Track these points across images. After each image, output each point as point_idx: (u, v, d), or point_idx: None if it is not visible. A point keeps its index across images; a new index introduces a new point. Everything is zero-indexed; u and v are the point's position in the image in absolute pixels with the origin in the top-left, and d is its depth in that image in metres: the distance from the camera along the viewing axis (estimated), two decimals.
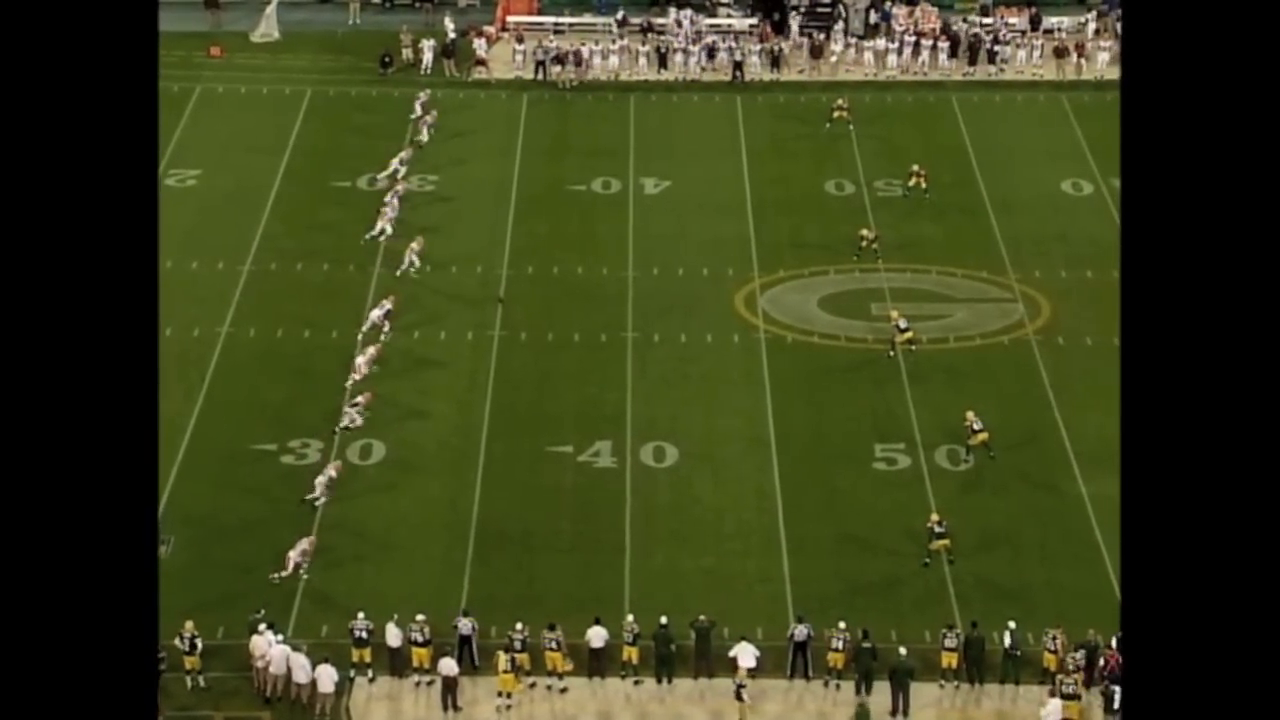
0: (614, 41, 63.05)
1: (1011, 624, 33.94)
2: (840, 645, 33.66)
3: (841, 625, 33.83)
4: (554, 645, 33.32)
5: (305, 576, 36.15)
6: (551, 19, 66.00)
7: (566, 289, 47.62)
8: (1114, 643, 33.13)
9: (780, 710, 33.13)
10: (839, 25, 64.12)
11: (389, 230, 49.70)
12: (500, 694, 32.91)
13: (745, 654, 33.48)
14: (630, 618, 34.09)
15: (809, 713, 32.58)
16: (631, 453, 40.68)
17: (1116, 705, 32.28)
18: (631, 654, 33.76)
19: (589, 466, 40.30)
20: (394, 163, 53.75)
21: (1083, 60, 62.24)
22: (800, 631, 33.90)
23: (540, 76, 61.37)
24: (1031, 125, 58.46)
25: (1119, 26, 63.45)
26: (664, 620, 33.72)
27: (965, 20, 64.51)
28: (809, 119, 58.57)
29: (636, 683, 33.81)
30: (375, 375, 42.83)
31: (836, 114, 57.25)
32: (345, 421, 41.15)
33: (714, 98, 60.63)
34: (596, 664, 33.78)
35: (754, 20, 64.74)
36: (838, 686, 33.51)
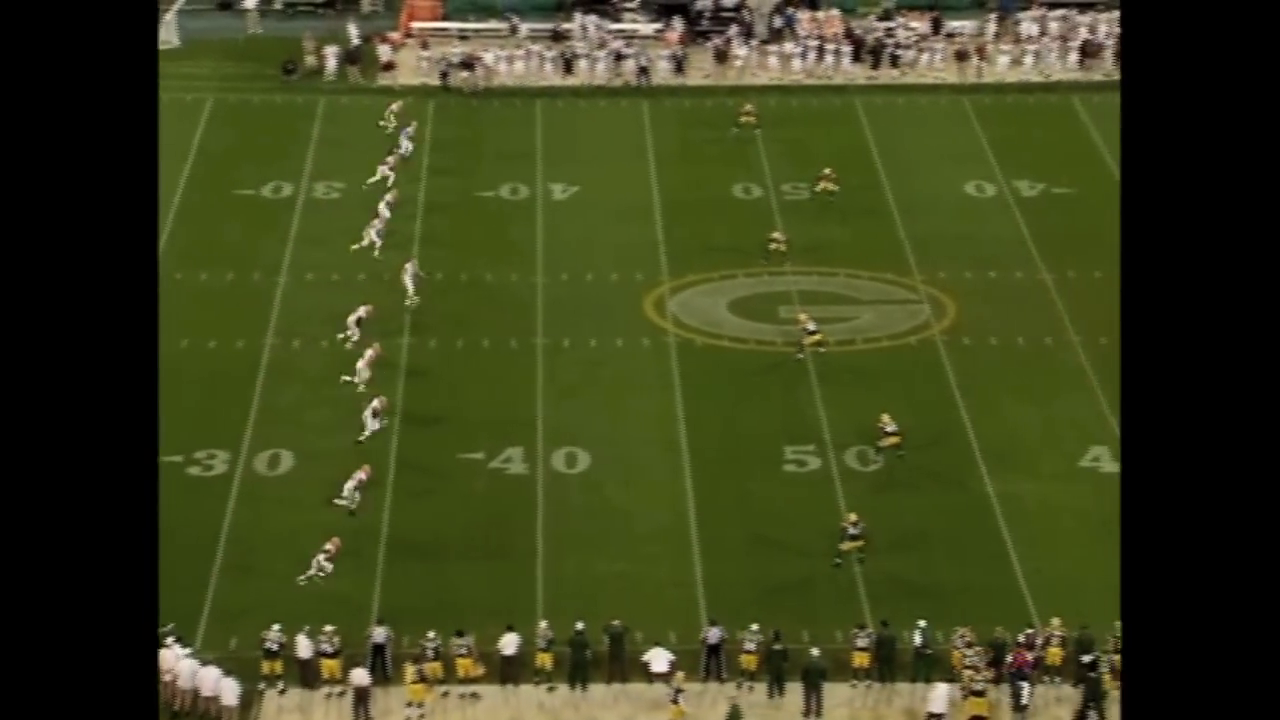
0: (519, 47, 63.00)
1: (922, 623, 34.06)
2: (753, 647, 33.68)
3: (754, 627, 33.83)
4: (464, 652, 33.15)
5: (324, 575, 36.01)
6: (456, 25, 65.78)
7: (475, 295, 47.45)
8: (1021, 639, 33.44)
9: (694, 711, 33.05)
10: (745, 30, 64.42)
11: (378, 241, 49.20)
12: (410, 704, 32.69)
13: (658, 659, 33.45)
14: (544, 624, 33.97)
15: (722, 714, 32.53)
16: (543, 459, 40.54)
17: (1024, 701, 32.55)
18: (545, 660, 33.64)
19: (501, 473, 40.13)
20: (382, 168, 53.36)
21: (983, 63, 62.72)
22: (713, 634, 33.88)
23: (445, 83, 61.17)
24: (934, 128, 58.81)
25: (1019, 30, 64.08)
26: (580, 626, 33.60)
27: (868, 24, 64.84)
28: (715, 124, 58.65)
29: (550, 689, 33.68)
30: (374, 378, 42.68)
31: (744, 119, 57.35)
32: (367, 431, 40.71)
33: (621, 103, 60.61)
34: (509, 671, 33.63)
35: (659, 26, 64.80)
36: (750, 688, 33.51)
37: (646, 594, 36.14)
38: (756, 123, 57.33)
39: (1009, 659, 33.29)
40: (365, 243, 49.23)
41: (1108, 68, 62.38)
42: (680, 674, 32.89)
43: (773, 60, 63.33)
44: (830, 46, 63.33)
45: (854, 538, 37.02)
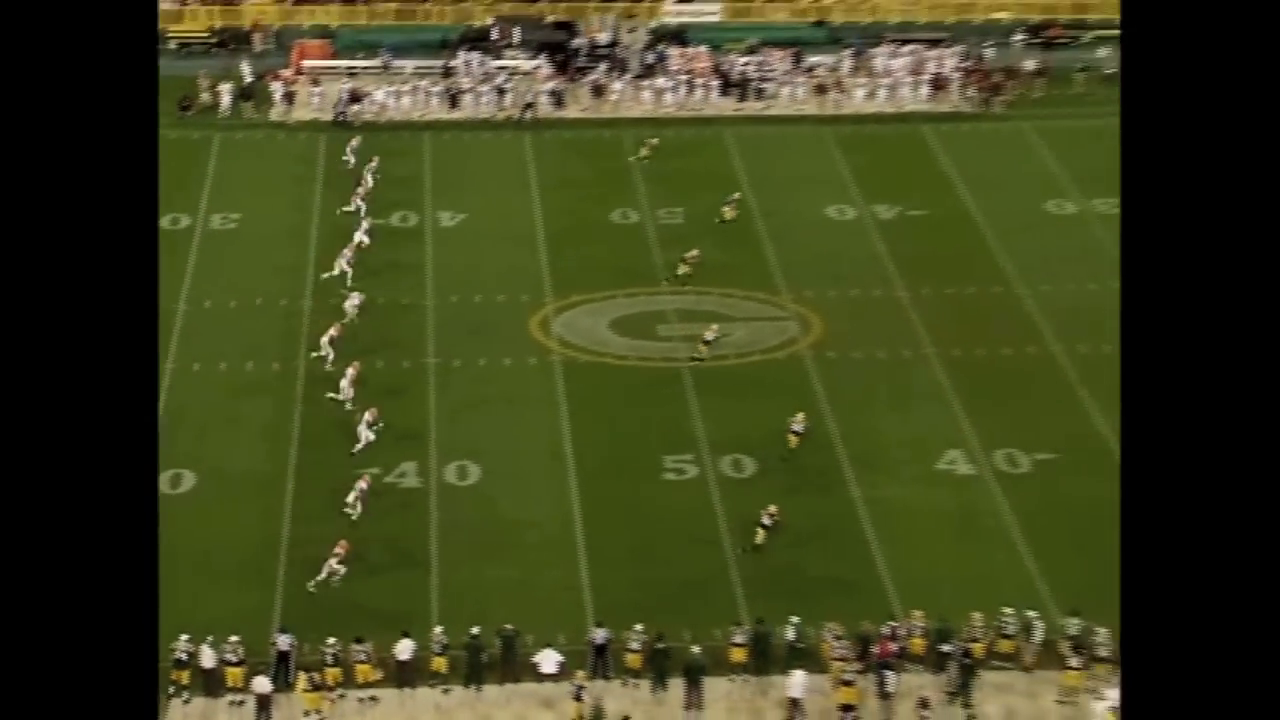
0: (405, 83, 62.80)
1: (795, 619, 34.15)
2: (637, 646, 33.63)
3: (638, 628, 33.77)
4: (363, 658, 32.82)
5: (338, 577, 35.74)
6: (345, 63, 65.39)
7: (369, 318, 47.03)
8: (885, 631, 33.63)
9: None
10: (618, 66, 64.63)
11: (349, 270, 48.62)
12: (307, 713, 32.25)
13: (548, 660, 33.34)
14: (439, 629, 33.73)
15: (610, 713, 32.44)
16: (436, 472, 40.29)
17: (889, 689, 32.73)
18: (440, 664, 33.39)
19: (395, 487, 39.79)
20: (354, 200, 53.04)
21: (841, 96, 63.25)
22: (599, 635, 33.78)
23: (338, 118, 60.74)
24: (798, 156, 59.14)
25: (873, 65, 64.66)
26: (474, 630, 33.39)
27: (734, 60, 65.16)
28: (593, 153, 58.75)
29: (445, 691, 33.42)
30: (358, 394, 42.32)
31: (645, 151, 57.30)
32: (361, 443, 40.34)
33: (504, 135, 60.51)
34: (405, 675, 33.33)
35: (539, 62, 64.77)
36: (636, 685, 33.44)
37: (536, 599, 35.96)
38: (651, 155, 57.32)
39: (875, 650, 33.48)
40: (336, 271, 48.75)
41: (955, 99, 63.14)
42: (581, 673, 32.75)
43: (646, 94, 63.54)
44: (699, 81, 63.70)
45: (768, 528, 37.19)
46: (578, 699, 32.27)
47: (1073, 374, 44.53)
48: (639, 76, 64.49)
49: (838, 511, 39.13)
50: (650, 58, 65.35)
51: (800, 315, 47.95)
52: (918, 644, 33.97)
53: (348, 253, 49.29)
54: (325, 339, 44.36)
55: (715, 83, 63.82)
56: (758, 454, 40.87)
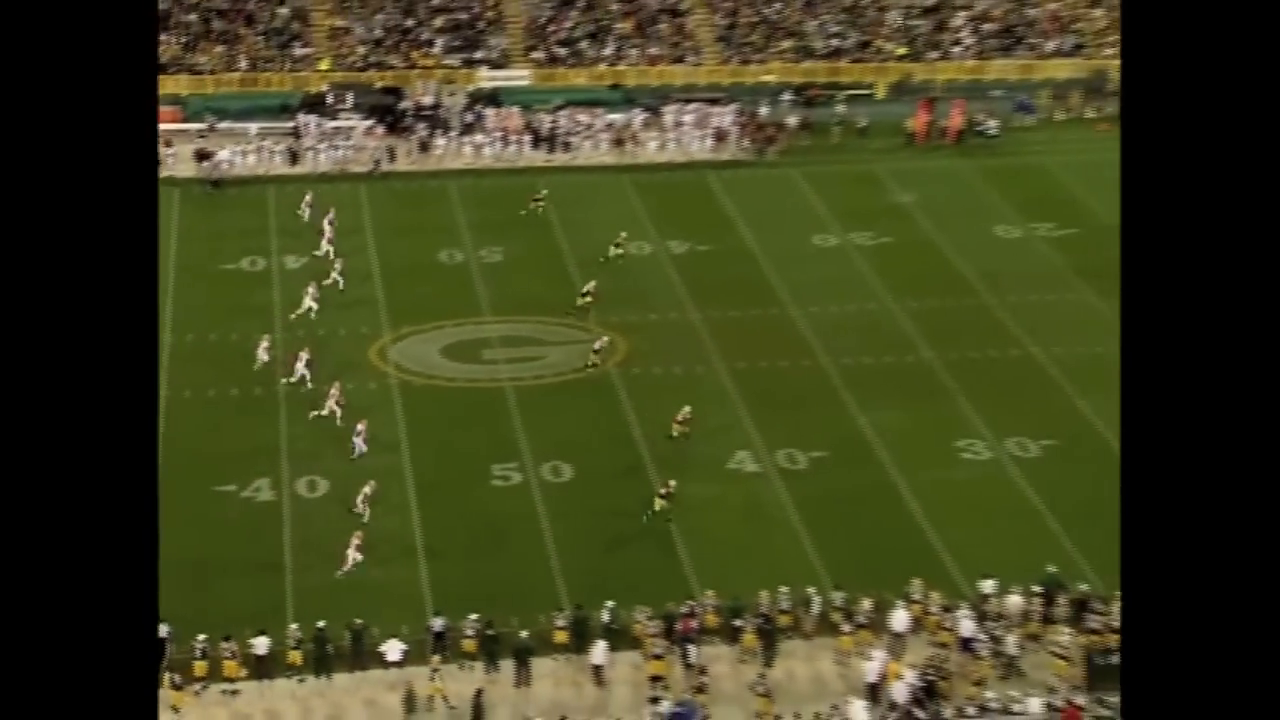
0: (250, 143, 62.06)
1: (609, 603, 34.27)
2: (471, 633, 33.51)
3: (472, 616, 33.66)
4: (229, 654, 32.26)
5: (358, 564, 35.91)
6: (195, 125, 64.24)
7: (224, 352, 46.25)
8: (685, 610, 33.88)
9: (442, 686, 32.83)
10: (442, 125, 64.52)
11: (314, 306, 48.10)
12: (171, 707, 31.52)
13: (393, 649, 33.07)
14: (294, 626, 33.26)
15: (451, 693, 32.30)
16: (288, 486, 39.75)
17: (691, 660, 33.01)
18: (295, 657, 32.92)
19: (251, 501, 39.18)
20: (326, 246, 52.53)
21: (636, 147, 63.81)
22: (438, 624, 33.60)
23: (189, 174, 59.78)
24: (600, 200, 59.48)
25: (663, 120, 65.25)
26: (322, 625, 33.01)
27: (542, 118, 65.39)
28: (421, 201, 58.52)
29: (300, 681, 32.95)
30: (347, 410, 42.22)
31: (535, 202, 56.96)
32: (356, 453, 40.65)
33: (341, 186, 59.95)
34: (263, 668, 32.80)
35: (370, 123, 64.39)
36: (470, 668, 33.28)
37: (381, 594, 35.61)
38: (541, 204, 57.01)
39: (678, 627, 33.73)
40: (304, 309, 48.13)
41: (733, 149, 63.97)
42: (436, 657, 32.61)
43: (467, 149, 63.54)
44: (513, 137, 63.83)
45: (665, 498, 37.97)
46: (432, 680, 32.15)
47: (839, 382, 45.33)
48: (460, 134, 64.40)
49: (644, 506, 39.30)
50: (469, 117, 65.28)
51: (606, 337, 48.19)
52: (712, 619, 34.32)
53: (313, 289, 48.78)
54: (300, 365, 44.12)
55: (527, 138, 64.01)
56: (574, 460, 40.95)
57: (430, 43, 70.98)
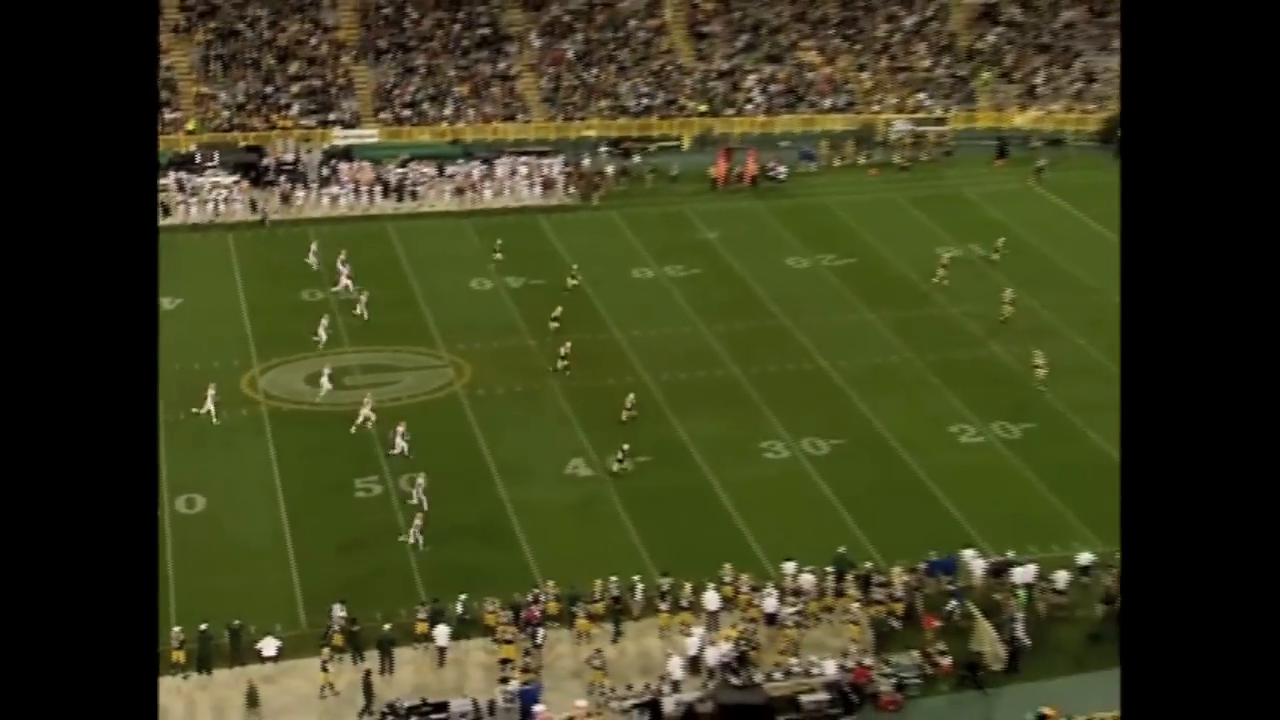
0: None
1: (462, 596, 34.07)
2: (338, 628, 33.02)
3: (340, 613, 33.20)
4: None
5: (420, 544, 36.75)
6: None
7: None
8: (530, 599, 33.79)
9: (301, 683, 32.21)
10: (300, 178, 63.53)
11: (324, 336, 48.29)
12: None
13: (269, 645, 32.48)
14: (177, 629, 32.44)
15: (315, 680, 31.85)
16: (169, 504, 38.72)
17: (539, 641, 32.97)
18: (179, 656, 32.14)
19: None
20: (346, 282, 52.39)
21: (475, 195, 63.61)
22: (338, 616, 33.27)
23: None
24: (445, 243, 59.12)
25: (498, 171, 65.11)
26: (204, 626, 32.27)
27: (390, 170, 64.80)
28: (283, 247, 57.48)
29: (184, 677, 32.17)
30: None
31: (496, 254, 55.80)
32: (397, 450, 41.12)
33: (210, 234, 58.73)
34: None
35: (236, 177, 63.13)
36: (340, 660, 32.78)
37: (257, 598, 34.91)
38: (500, 254, 55.98)
39: (524, 615, 33.65)
40: (320, 336, 48.35)
41: (561, 196, 64.10)
42: (326, 650, 32.16)
43: (325, 200, 62.65)
44: (365, 188, 63.12)
45: (621, 460, 40.17)
46: (324, 670, 31.71)
47: (659, 395, 45.69)
48: (318, 186, 63.51)
49: (491, 510, 39.24)
50: (325, 171, 64.38)
51: (454, 363, 47.92)
52: (553, 606, 34.30)
53: (326, 320, 48.89)
54: (324, 379, 44.78)
55: (378, 188, 63.34)
56: (428, 471, 40.60)
57: (288, 106, 70.00)
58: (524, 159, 65.97)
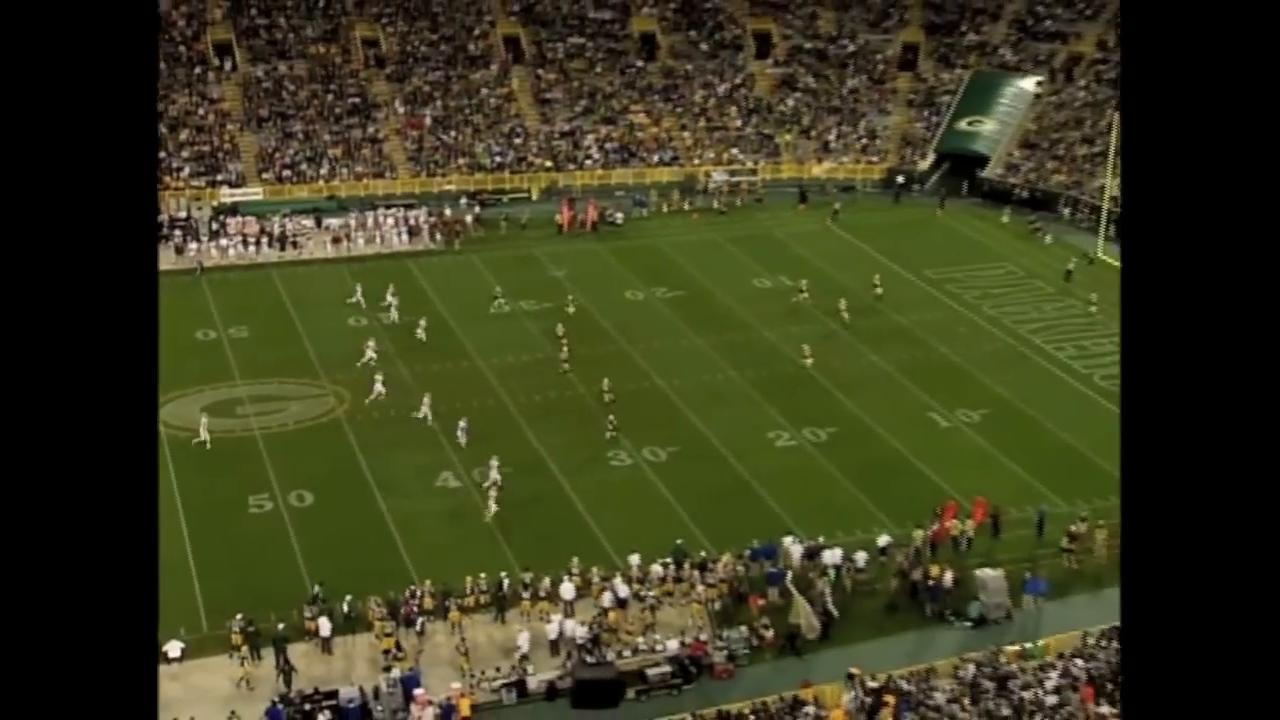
0: None
1: (349, 596, 33.47)
2: (238, 630, 32.17)
3: (238, 617, 32.33)
4: None
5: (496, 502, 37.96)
6: None
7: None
8: (408, 596, 33.33)
9: (209, 679, 31.26)
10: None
11: (374, 356, 48.17)
12: None
13: (173, 647, 31.50)
14: None
15: (227, 677, 30.96)
16: None
17: (419, 630, 32.66)
18: None
19: None
20: (393, 310, 52.74)
21: (350, 244, 62.71)
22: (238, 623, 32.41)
23: None
24: (324, 286, 58.08)
25: (369, 221, 64.27)
26: None
27: (274, 223, 63.53)
28: (179, 292, 55.78)
29: None
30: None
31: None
32: (463, 439, 42.17)
33: None
34: None
35: None
36: (242, 661, 31.93)
37: (162, 605, 33.61)
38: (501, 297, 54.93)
39: (403, 611, 33.23)
40: (365, 359, 47.78)
41: (426, 241, 63.57)
42: (245, 646, 31.56)
43: (214, 250, 61.04)
44: (251, 239, 61.72)
45: (614, 427, 42.52)
46: (242, 665, 31.12)
47: (518, 415, 45.54)
48: (208, 239, 61.91)
49: (373, 520, 38.64)
50: (215, 225, 62.79)
51: (335, 392, 47.07)
52: (430, 602, 33.93)
53: (373, 342, 48.83)
54: (378, 386, 45.55)
55: (264, 239, 61.98)
56: (314, 489, 39.87)
57: (180, 169, 68.15)
58: (393, 210, 65.28)
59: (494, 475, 39.46)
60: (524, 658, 31.70)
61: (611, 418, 43.57)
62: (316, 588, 33.78)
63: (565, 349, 49.38)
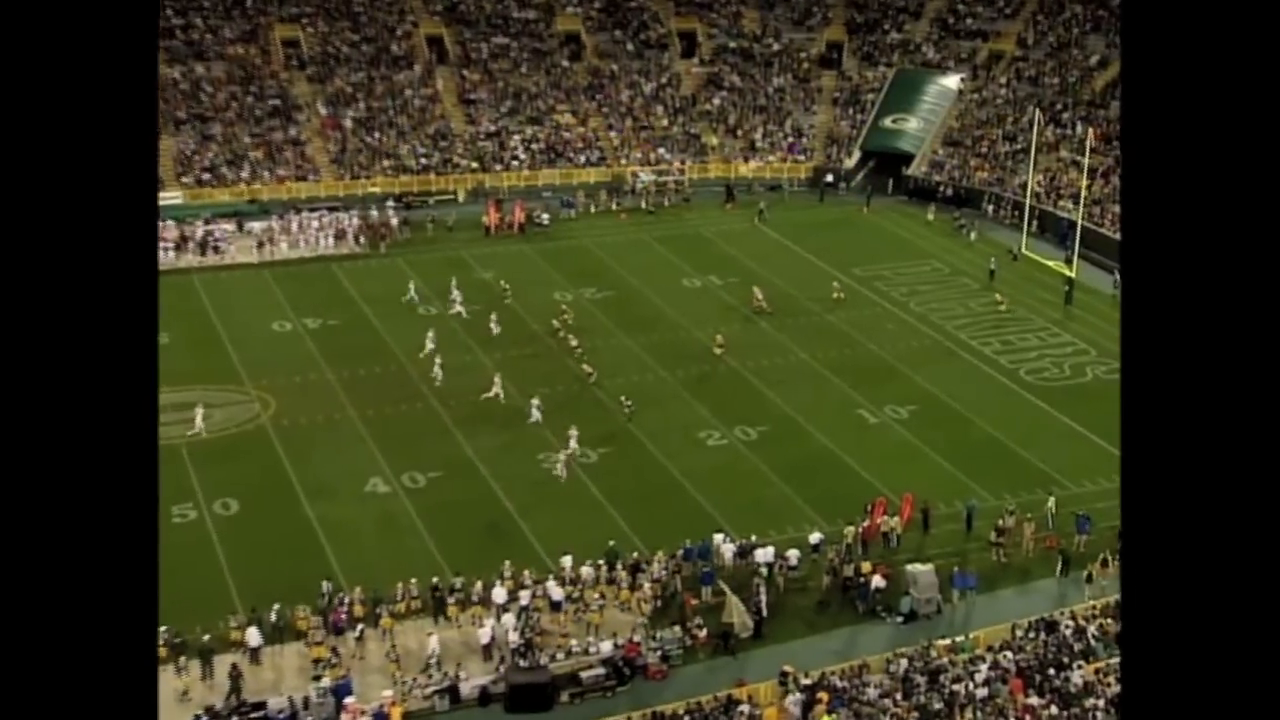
0: None
1: (276, 605, 33.07)
2: (162, 641, 31.60)
3: (162, 628, 31.81)
4: None
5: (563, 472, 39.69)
6: None
7: None
8: (337, 602, 33.06)
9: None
10: None
11: (434, 346, 48.81)
12: None
13: None
14: None
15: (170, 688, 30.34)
16: None
17: (349, 638, 32.38)
18: None
19: None
20: (458, 307, 53.53)
21: (274, 248, 61.88)
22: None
23: None
24: (247, 291, 57.35)
25: (293, 225, 63.54)
26: None
27: (195, 229, 62.56)
28: None
29: None
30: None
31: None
32: (536, 417, 43.50)
33: None
34: None
35: None
36: (179, 672, 31.38)
37: None
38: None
39: (332, 618, 32.92)
40: (428, 349, 48.82)
41: (352, 245, 62.98)
42: (183, 658, 31.10)
43: None
44: (172, 244, 60.67)
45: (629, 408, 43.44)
46: (178, 674, 30.71)
47: (447, 419, 45.30)
48: None
49: (300, 527, 38.20)
50: None
51: (260, 398, 46.47)
52: (360, 609, 33.64)
53: (431, 340, 49.35)
54: (437, 369, 46.99)
55: (185, 244, 60.98)
56: (239, 497, 39.33)
57: None
58: (317, 214, 64.58)
59: (572, 444, 41.66)
60: (437, 663, 31.49)
61: (535, 405, 44.07)
62: (326, 584, 33.86)
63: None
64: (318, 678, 30.99)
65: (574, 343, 50.48)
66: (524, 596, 34.00)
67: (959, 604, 35.32)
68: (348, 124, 72.80)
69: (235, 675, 30.66)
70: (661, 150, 75.23)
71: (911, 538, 38.26)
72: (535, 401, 43.78)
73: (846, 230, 67.44)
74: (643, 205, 69.92)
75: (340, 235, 63.13)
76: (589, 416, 45.59)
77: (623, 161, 74.13)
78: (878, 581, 34.99)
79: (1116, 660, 30.07)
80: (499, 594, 34.10)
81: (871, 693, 29.85)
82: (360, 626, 32.75)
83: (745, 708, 29.57)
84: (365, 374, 48.65)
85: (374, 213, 65.86)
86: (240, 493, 39.59)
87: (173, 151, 69.07)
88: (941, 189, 71.57)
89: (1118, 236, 58.09)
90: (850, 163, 75.07)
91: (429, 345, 49.35)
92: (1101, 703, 28.53)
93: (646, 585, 34.83)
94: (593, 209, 69.18)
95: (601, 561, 35.65)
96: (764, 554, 36.06)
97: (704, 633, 33.48)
